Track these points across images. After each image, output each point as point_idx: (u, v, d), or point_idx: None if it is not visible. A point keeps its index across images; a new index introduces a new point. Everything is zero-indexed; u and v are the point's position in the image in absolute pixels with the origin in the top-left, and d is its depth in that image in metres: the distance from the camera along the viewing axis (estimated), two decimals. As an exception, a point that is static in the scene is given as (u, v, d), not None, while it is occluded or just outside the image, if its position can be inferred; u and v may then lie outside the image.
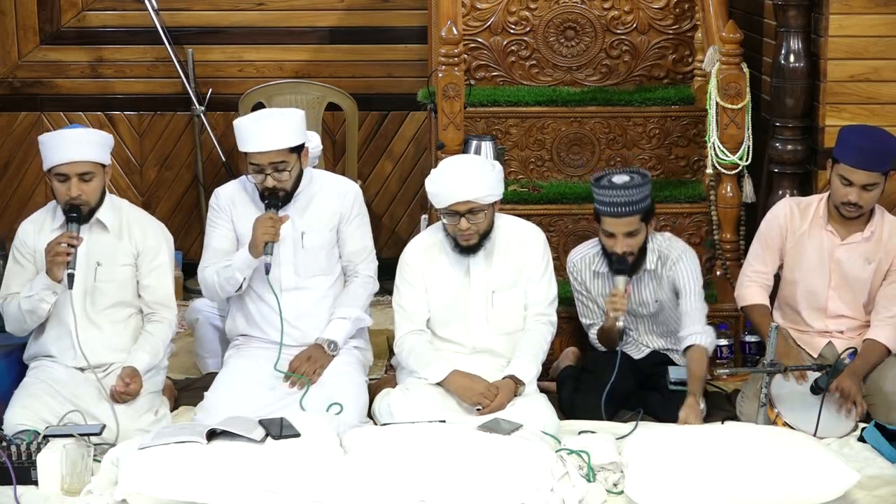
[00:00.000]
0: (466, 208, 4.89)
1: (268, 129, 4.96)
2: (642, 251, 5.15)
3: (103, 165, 4.97)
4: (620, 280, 5.06)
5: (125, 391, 4.86)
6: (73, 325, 4.94)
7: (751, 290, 5.30)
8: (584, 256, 5.30)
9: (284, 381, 5.02)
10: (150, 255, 5.07)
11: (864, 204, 5.09)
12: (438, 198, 4.93)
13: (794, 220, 5.26)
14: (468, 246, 4.98)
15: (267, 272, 5.02)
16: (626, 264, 5.08)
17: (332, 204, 5.17)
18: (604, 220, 5.09)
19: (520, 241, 5.08)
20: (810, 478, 4.30)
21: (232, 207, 5.17)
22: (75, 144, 4.90)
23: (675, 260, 5.19)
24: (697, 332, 5.10)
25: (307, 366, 5.04)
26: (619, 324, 5.02)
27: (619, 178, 5.06)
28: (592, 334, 5.33)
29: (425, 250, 5.11)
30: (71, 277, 4.82)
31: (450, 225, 4.97)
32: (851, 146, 5.05)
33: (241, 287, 5.09)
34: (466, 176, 4.90)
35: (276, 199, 5.02)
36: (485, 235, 4.99)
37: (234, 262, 5.05)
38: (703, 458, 4.36)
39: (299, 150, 5.06)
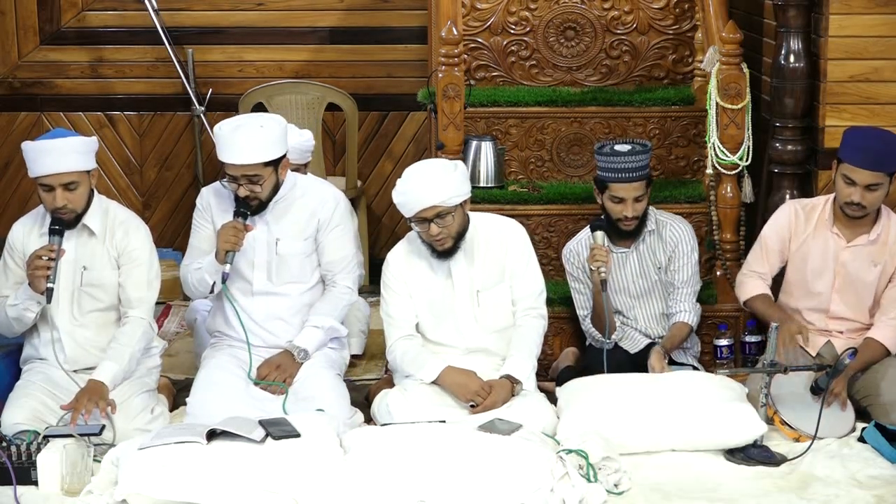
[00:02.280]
0: (433, 213, 4.89)
1: (244, 142, 4.90)
2: (643, 216, 5.34)
3: (88, 171, 4.94)
4: (598, 235, 5.24)
5: (99, 409, 4.75)
6: (51, 336, 4.94)
7: (751, 283, 5.32)
8: (580, 241, 5.42)
9: (255, 385, 5.03)
10: (128, 257, 5.02)
11: (867, 204, 5.09)
12: (405, 207, 4.94)
13: (798, 222, 5.26)
14: (444, 250, 4.99)
15: (223, 281, 5.02)
16: (602, 221, 5.29)
17: (310, 212, 5.13)
18: (613, 186, 5.26)
19: (499, 238, 5.09)
20: (722, 423, 4.75)
21: (213, 208, 5.15)
22: (57, 155, 4.83)
23: (676, 224, 5.40)
24: (686, 311, 5.35)
25: (276, 374, 5.04)
26: (602, 274, 5.16)
27: (623, 147, 5.28)
28: (587, 326, 5.36)
29: (406, 257, 5.11)
30: (50, 292, 4.80)
31: (421, 232, 4.98)
32: (856, 146, 5.05)
33: (212, 290, 5.10)
34: (428, 181, 4.89)
35: (246, 207, 5.00)
36: (459, 237, 4.99)
37: (204, 265, 5.05)
38: (627, 411, 4.79)
39: (277, 162, 5.00)
